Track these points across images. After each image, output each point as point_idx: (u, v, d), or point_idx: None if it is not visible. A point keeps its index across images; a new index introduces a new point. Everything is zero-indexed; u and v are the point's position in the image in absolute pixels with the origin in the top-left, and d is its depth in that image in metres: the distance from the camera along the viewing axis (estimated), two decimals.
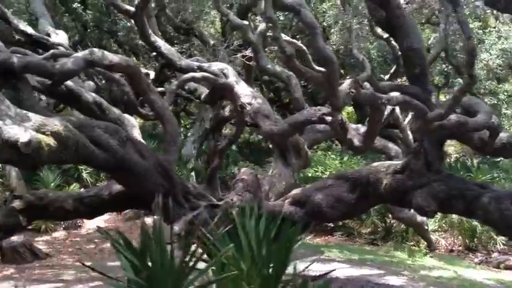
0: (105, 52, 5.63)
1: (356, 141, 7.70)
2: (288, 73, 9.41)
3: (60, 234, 12.43)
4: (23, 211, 5.83)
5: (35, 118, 4.51)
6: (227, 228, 5.92)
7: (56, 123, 4.64)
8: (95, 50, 5.63)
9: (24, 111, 4.50)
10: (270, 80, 17.50)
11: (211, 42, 12.73)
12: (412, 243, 11.22)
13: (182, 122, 20.96)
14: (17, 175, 6.35)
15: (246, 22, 9.28)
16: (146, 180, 5.88)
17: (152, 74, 7.18)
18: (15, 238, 9.95)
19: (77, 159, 5.04)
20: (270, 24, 7.82)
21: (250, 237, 3.70)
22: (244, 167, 6.90)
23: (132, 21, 18.77)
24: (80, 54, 5.51)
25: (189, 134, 16.58)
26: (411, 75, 6.83)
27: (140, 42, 21.44)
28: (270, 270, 3.58)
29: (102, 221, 14.12)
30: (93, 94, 7.00)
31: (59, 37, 7.91)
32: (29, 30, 7.86)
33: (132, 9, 8.04)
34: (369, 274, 7.83)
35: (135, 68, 6.15)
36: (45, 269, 9.03)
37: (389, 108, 7.98)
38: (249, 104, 8.67)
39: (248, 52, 11.08)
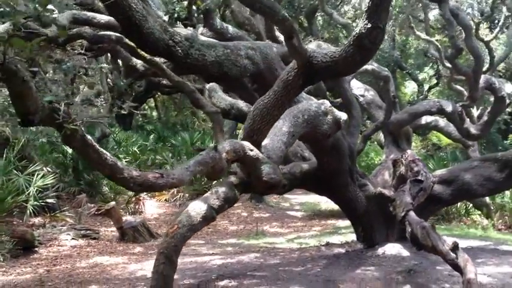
0: None
1: (473, 130, 8.80)
2: None
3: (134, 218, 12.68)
4: (237, 186, 6.58)
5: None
6: None
7: None
8: None
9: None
10: None
11: None
12: (469, 222, 12.37)
13: None
14: None
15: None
16: (343, 159, 6.77)
17: None
18: (132, 219, 10.53)
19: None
20: None
21: None
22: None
23: None
24: None
25: None
26: None
27: None
28: None
29: (154, 207, 14.73)
30: None
31: None
32: None
33: None
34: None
35: None
36: None
37: None
38: (362, 95, 9.67)
39: None
